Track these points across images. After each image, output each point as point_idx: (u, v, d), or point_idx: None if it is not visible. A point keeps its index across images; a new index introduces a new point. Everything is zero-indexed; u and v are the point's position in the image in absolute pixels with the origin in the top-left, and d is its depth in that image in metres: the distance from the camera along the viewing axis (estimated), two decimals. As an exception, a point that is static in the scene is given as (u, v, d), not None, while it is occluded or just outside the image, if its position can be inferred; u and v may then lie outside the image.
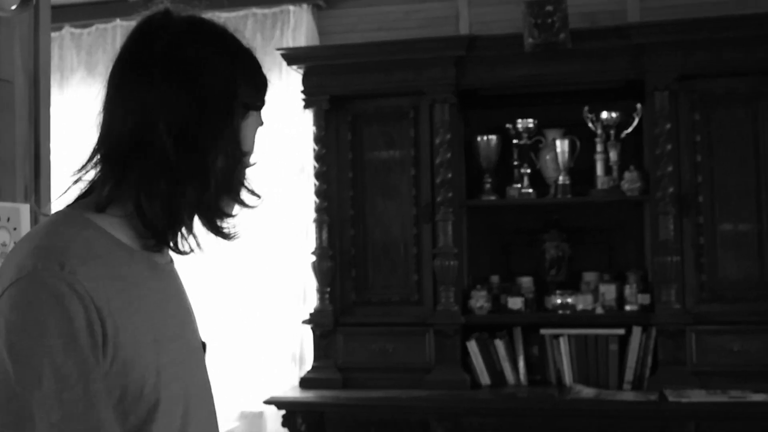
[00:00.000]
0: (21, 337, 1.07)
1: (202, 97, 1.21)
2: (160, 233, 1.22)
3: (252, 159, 1.31)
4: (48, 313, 1.07)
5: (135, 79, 1.21)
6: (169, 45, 1.22)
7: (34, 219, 1.63)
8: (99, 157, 1.23)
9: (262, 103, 1.31)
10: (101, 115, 1.24)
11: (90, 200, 1.22)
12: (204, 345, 1.39)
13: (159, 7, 1.27)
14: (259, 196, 1.30)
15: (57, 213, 1.22)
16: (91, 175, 1.24)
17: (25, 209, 1.61)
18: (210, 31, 1.27)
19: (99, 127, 1.24)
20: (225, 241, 1.29)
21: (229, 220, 1.28)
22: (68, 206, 1.23)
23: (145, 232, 1.22)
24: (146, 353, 1.16)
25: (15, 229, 1.58)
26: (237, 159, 1.25)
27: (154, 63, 1.21)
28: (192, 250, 1.29)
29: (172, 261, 1.34)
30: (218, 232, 1.27)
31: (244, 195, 1.29)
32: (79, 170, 1.24)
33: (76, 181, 1.24)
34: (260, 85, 1.30)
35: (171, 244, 1.26)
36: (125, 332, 1.13)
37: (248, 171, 1.30)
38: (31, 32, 1.65)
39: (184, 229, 1.26)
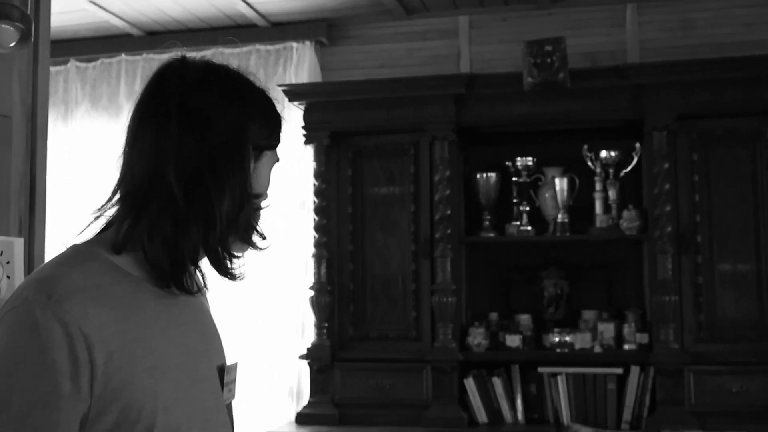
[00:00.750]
0: (1, 360, 1.15)
1: (212, 144, 1.27)
2: (165, 273, 1.28)
3: (266, 196, 1.36)
4: (25, 342, 1.14)
5: (150, 125, 1.28)
6: (181, 93, 1.28)
7: (28, 253, 1.65)
8: (118, 197, 1.30)
9: (277, 141, 1.37)
10: (121, 157, 1.31)
11: (106, 236, 1.29)
12: (231, 367, 1.43)
13: (176, 53, 1.35)
14: (265, 238, 1.35)
15: (71, 247, 1.29)
16: (110, 213, 1.31)
17: (19, 243, 1.62)
18: (223, 76, 1.33)
19: (120, 168, 1.31)
20: (231, 282, 1.33)
21: (237, 261, 1.33)
22: (84, 242, 1.29)
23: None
24: (143, 378, 1.20)
25: (8, 262, 1.59)
26: (244, 201, 1.29)
27: (168, 110, 1.27)
28: (199, 290, 1.34)
29: (192, 293, 1.36)
30: (225, 273, 1.32)
31: (252, 236, 1.33)
32: (100, 208, 1.31)
33: (96, 218, 1.31)
34: (274, 124, 1.35)
35: (175, 284, 1.29)
36: (120, 357, 1.17)
37: (262, 211, 1.36)
38: (30, 67, 1.68)
39: (190, 270, 1.30)
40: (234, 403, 1.48)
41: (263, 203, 1.37)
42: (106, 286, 1.22)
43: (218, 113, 1.29)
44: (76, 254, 1.26)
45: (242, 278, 1.35)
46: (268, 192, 1.39)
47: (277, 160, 1.38)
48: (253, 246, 1.35)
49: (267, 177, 1.36)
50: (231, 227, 1.29)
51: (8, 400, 1.12)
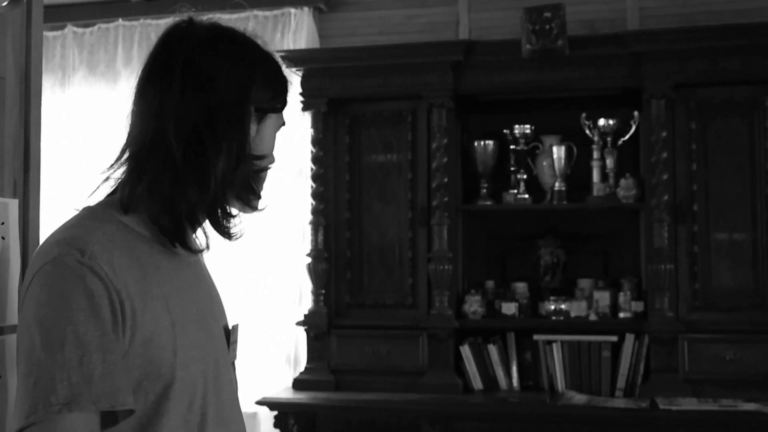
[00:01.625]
0: (48, 310, 1.18)
1: (212, 103, 1.30)
2: (167, 232, 1.32)
3: (273, 158, 1.40)
4: (71, 289, 1.18)
5: (155, 86, 1.32)
6: (186, 53, 1.32)
7: (23, 214, 1.65)
8: (125, 158, 1.34)
9: (282, 104, 1.39)
10: (128, 119, 1.35)
11: (115, 198, 1.34)
12: (234, 327, 1.48)
13: (184, 15, 1.38)
14: (260, 197, 1.38)
15: (85, 209, 1.33)
16: (118, 174, 1.35)
17: (14, 204, 1.63)
18: (228, 38, 1.36)
19: (127, 130, 1.35)
20: (228, 241, 1.37)
21: (234, 220, 1.37)
22: (97, 204, 1.34)
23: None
24: (163, 335, 1.25)
25: (3, 223, 1.60)
26: (240, 161, 1.32)
27: (172, 70, 1.31)
28: (203, 249, 1.38)
29: (196, 252, 1.41)
30: (222, 231, 1.35)
31: (251, 197, 1.37)
32: (108, 169, 1.35)
33: (105, 180, 1.35)
34: (278, 87, 1.38)
35: (179, 243, 1.33)
36: (143, 315, 1.23)
37: (266, 172, 1.40)
38: (23, 29, 1.67)
39: (190, 228, 1.34)
40: (236, 363, 1.52)
41: (269, 165, 1.40)
42: (125, 246, 1.27)
43: (221, 74, 1.31)
44: (93, 215, 1.31)
45: (239, 237, 1.38)
46: (274, 154, 1.42)
47: (283, 124, 1.41)
48: (251, 206, 1.38)
49: (271, 139, 1.39)
50: (227, 187, 1.32)
51: (63, 342, 1.16)
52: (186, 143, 1.29)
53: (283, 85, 1.39)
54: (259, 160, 1.36)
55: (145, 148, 1.31)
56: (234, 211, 1.37)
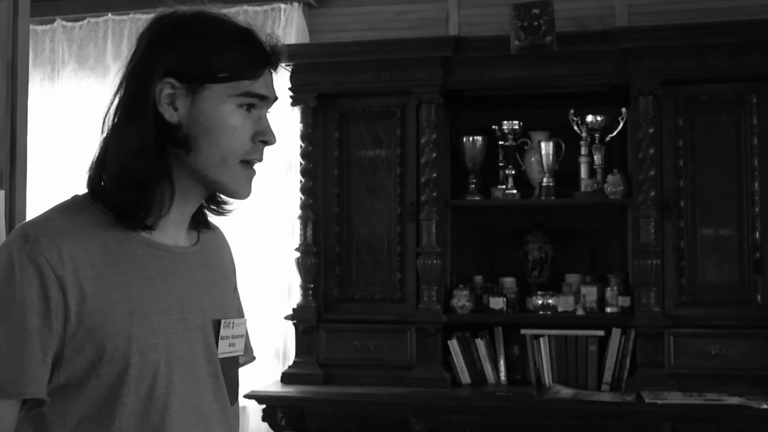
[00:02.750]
0: None
1: (131, 77, 1.33)
2: (111, 211, 1.31)
3: (230, 135, 1.32)
4: (1, 279, 1.23)
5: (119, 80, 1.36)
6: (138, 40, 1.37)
7: (10, 205, 1.66)
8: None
9: (231, 74, 1.31)
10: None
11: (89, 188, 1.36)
12: (230, 323, 1.44)
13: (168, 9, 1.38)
14: (162, 175, 1.32)
15: (71, 197, 1.36)
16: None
17: (0, 195, 1.63)
18: (176, 18, 1.35)
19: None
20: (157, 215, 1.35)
21: (155, 196, 1.33)
22: (85, 193, 1.35)
23: None
24: (117, 321, 1.26)
25: (-11, 214, 1.60)
26: (134, 135, 1.30)
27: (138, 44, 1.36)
28: (147, 224, 1.33)
29: (193, 246, 1.42)
30: (141, 206, 1.32)
31: (157, 171, 1.32)
32: (91, 162, 1.36)
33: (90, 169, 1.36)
34: (218, 57, 1.31)
35: (125, 220, 1.32)
36: (95, 300, 1.25)
37: (248, 145, 1.34)
38: (10, 21, 1.68)
39: (130, 205, 1.31)
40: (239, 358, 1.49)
41: (232, 141, 1.33)
42: (93, 233, 1.28)
43: (137, 50, 1.35)
44: (71, 203, 1.34)
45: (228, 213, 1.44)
46: (265, 131, 1.35)
47: (245, 93, 1.33)
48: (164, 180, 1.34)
49: (217, 113, 1.32)
50: (122, 161, 1.30)
51: None
52: (111, 127, 1.33)
53: (224, 53, 1.32)
54: (176, 131, 1.32)
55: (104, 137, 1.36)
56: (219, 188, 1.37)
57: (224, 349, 1.42)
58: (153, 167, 1.31)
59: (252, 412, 4.19)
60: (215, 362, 1.40)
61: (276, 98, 1.39)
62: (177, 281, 1.37)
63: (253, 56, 1.34)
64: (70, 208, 1.32)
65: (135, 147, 1.29)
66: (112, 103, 1.34)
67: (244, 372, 4.32)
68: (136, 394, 1.27)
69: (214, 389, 1.38)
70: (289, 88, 4.02)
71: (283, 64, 4.20)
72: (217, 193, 1.42)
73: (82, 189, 1.36)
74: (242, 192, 1.37)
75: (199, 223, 1.45)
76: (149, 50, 1.33)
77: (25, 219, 1.69)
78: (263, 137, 1.35)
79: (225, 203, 1.45)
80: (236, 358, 1.47)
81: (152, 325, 1.30)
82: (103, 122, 1.34)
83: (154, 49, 1.33)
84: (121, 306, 1.27)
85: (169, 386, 1.30)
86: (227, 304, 1.47)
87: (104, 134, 1.34)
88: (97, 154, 1.35)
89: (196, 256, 1.43)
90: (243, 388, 3.90)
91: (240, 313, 1.51)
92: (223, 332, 1.41)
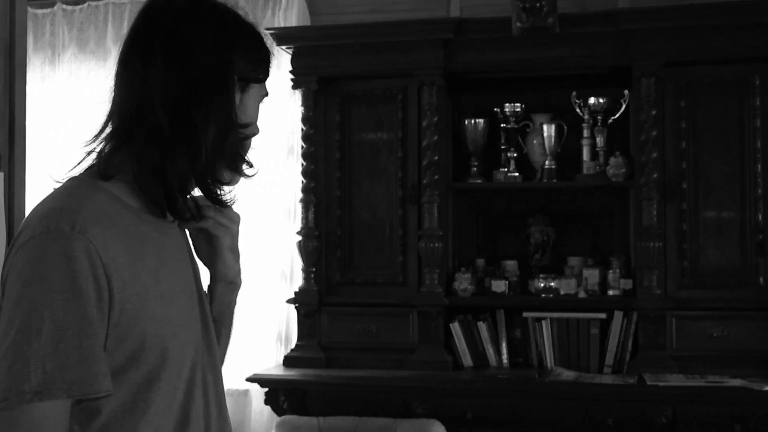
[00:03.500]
0: (28, 290, 1.18)
1: (196, 74, 1.31)
2: (158, 201, 1.32)
3: (254, 128, 1.41)
4: (54, 271, 1.18)
5: (138, 59, 1.32)
6: (168, 25, 1.33)
7: (9, 187, 1.65)
8: (108, 130, 1.34)
9: (265, 75, 1.41)
10: (111, 93, 1.35)
11: (97, 169, 1.33)
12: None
13: None
14: (251, 165, 1.40)
15: (71, 179, 1.32)
16: (100, 147, 1.34)
17: (-1, 177, 1.63)
18: (209, 9, 1.36)
19: (110, 102, 1.35)
20: (222, 208, 1.40)
21: (225, 187, 1.38)
22: (81, 174, 1.33)
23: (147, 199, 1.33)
24: (154, 306, 1.26)
25: (-12, 196, 1.60)
26: (229, 130, 1.33)
27: (155, 43, 1.31)
28: (193, 217, 1.39)
29: (187, 219, 1.42)
30: (214, 199, 1.37)
31: (239, 164, 1.38)
32: (91, 142, 1.34)
33: (89, 153, 1.34)
34: (260, 58, 1.39)
35: (170, 211, 1.33)
36: (132, 287, 1.24)
37: (250, 140, 1.41)
38: (7, 2, 1.67)
39: (181, 197, 1.34)
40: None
41: (254, 134, 1.42)
42: (115, 217, 1.27)
43: (203, 44, 1.32)
44: (81, 185, 1.30)
45: (232, 203, 1.41)
46: (258, 125, 1.43)
47: (266, 95, 1.43)
48: (241, 173, 1.39)
49: (255, 109, 1.40)
50: (217, 155, 1.32)
51: (40, 327, 1.16)
52: (172, 114, 1.29)
53: (264, 55, 1.40)
54: (243, 128, 1.36)
55: (130, 121, 1.31)
56: (224, 179, 1.38)
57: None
58: (238, 163, 1.36)
59: (254, 396, 4.20)
60: (213, 333, 1.45)
61: None
62: (182, 257, 1.41)
63: (270, 59, 1.43)
64: (86, 190, 1.29)
65: (224, 139, 1.32)
66: (160, 86, 1.29)
67: (246, 355, 4.30)
68: (169, 376, 1.28)
69: (213, 359, 1.43)
70: (290, 71, 4.01)
71: (283, 47, 4.19)
72: None
73: (73, 171, 1.34)
74: (246, 178, 1.43)
75: None
76: (222, 43, 1.33)
77: (24, 201, 1.68)
78: (256, 131, 1.44)
79: None
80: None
81: (179, 306, 1.32)
82: (146, 104, 1.29)
83: (227, 43, 1.33)
84: (153, 290, 1.27)
85: (193, 364, 1.33)
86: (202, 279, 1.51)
87: (161, 119, 1.29)
88: (121, 140, 1.31)
89: (180, 231, 1.45)
90: (245, 372, 3.92)
91: None
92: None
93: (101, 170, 1.32)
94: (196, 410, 1.33)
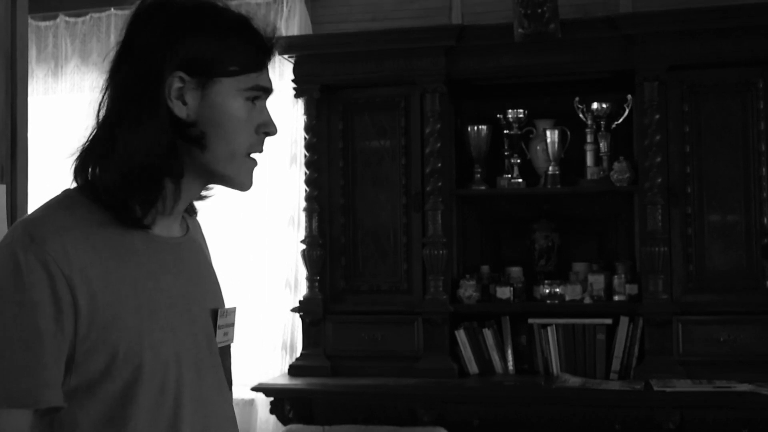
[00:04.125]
0: None
1: (131, 73, 1.28)
2: (106, 207, 1.27)
3: (273, 129, 1.35)
4: (8, 281, 1.17)
5: (108, 70, 1.31)
6: (126, 31, 1.31)
7: (11, 199, 1.65)
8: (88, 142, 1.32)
9: (240, 68, 1.30)
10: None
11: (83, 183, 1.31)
12: (227, 311, 1.44)
13: None
14: (175, 172, 1.29)
15: (63, 191, 1.31)
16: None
17: (1, 189, 1.63)
18: (171, 5, 1.31)
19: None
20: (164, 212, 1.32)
21: (163, 191, 1.30)
22: (76, 187, 1.31)
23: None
24: (128, 318, 1.23)
25: (-10, 208, 1.60)
26: (149, 132, 1.26)
27: (119, 48, 1.31)
28: (144, 222, 1.29)
29: (185, 235, 1.40)
30: (148, 203, 1.28)
31: (169, 169, 1.29)
32: (80, 154, 1.31)
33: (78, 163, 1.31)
34: (228, 50, 1.30)
35: (130, 223, 1.28)
36: (103, 298, 1.21)
37: (255, 137, 1.34)
38: (8, 14, 1.67)
39: (127, 201, 1.27)
40: (232, 347, 1.49)
41: (270, 132, 1.36)
42: (93, 228, 1.25)
43: (140, 39, 1.29)
44: (65, 198, 1.29)
45: (193, 210, 1.41)
46: (267, 122, 1.35)
47: (254, 87, 1.33)
48: (173, 175, 1.30)
49: (228, 106, 1.30)
50: (134, 157, 1.25)
51: None
52: (105, 119, 1.28)
53: (233, 45, 1.30)
54: (190, 127, 1.29)
55: (93, 131, 1.30)
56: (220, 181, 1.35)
57: (220, 339, 1.42)
58: (168, 165, 1.28)
59: (260, 405, 4.19)
60: (215, 352, 1.40)
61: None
62: (177, 273, 1.36)
63: (258, 49, 1.33)
64: (66, 203, 1.28)
65: (149, 144, 1.25)
66: (106, 94, 1.29)
67: (251, 364, 4.30)
68: (149, 391, 1.24)
69: (216, 380, 1.38)
70: (293, 80, 4.01)
71: (286, 56, 4.18)
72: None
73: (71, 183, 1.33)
74: (247, 184, 1.37)
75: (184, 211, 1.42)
76: (157, 41, 1.27)
77: (26, 213, 1.67)
78: (266, 129, 1.36)
79: (209, 190, 1.42)
80: (229, 346, 1.47)
81: (160, 320, 1.28)
82: (97, 114, 1.29)
83: (163, 39, 1.27)
84: (130, 302, 1.24)
85: (179, 380, 1.28)
86: (217, 293, 1.47)
87: (99, 127, 1.28)
88: (89, 147, 1.29)
89: (188, 246, 1.42)
90: (251, 381, 3.91)
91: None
92: (219, 321, 1.41)
93: (77, 182, 1.31)
94: (187, 429, 1.29)
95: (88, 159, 1.28)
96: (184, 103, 1.28)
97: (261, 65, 1.33)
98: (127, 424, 1.23)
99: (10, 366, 1.16)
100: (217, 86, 1.29)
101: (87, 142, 1.29)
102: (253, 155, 1.37)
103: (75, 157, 1.30)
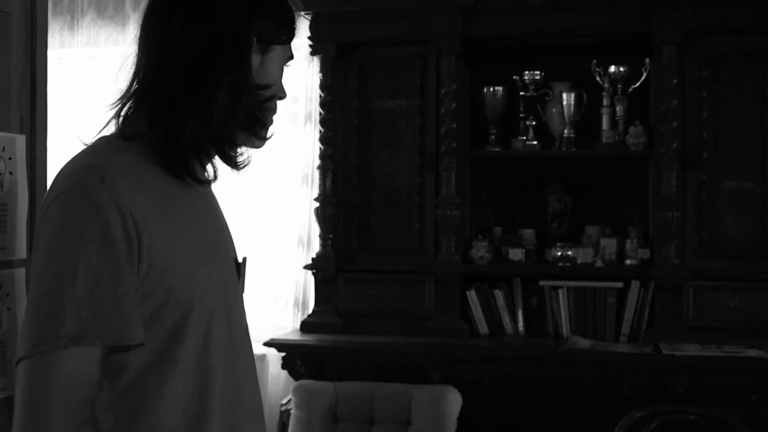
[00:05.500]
0: (62, 239, 1.20)
1: (213, 34, 1.31)
2: (171, 164, 1.32)
3: (278, 90, 1.40)
4: (87, 221, 1.19)
5: (157, 21, 1.34)
6: None
7: (30, 150, 1.66)
8: (131, 92, 1.35)
9: (288, 37, 1.40)
10: (135, 54, 1.36)
11: (122, 131, 1.34)
12: (243, 260, 1.50)
13: None
14: (265, 128, 1.39)
15: (100, 139, 1.34)
16: (123, 108, 1.35)
17: (21, 140, 1.64)
18: None
19: (133, 65, 1.36)
20: (235, 171, 1.40)
21: (240, 150, 1.38)
22: (111, 134, 1.35)
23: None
24: (180, 264, 1.27)
25: (10, 158, 1.62)
26: (242, 91, 1.32)
27: (174, 3, 1.32)
28: (211, 180, 1.39)
29: (203, 183, 1.42)
30: (229, 161, 1.37)
31: (256, 127, 1.38)
32: (115, 104, 1.35)
33: (115, 114, 1.35)
34: (283, 20, 1.39)
35: (187, 174, 1.33)
36: (160, 243, 1.24)
37: (274, 103, 1.41)
38: (28, -37, 1.67)
39: (195, 159, 1.34)
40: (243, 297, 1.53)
41: (279, 96, 1.42)
42: (142, 175, 1.28)
43: (220, 5, 1.32)
44: (109, 145, 1.32)
45: (245, 167, 1.40)
46: (284, 88, 1.43)
47: (290, 57, 1.42)
48: (258, 136, 1.39)
49: (277, 72, 1.40)
50: (231, 117, 1.32)
51: (75, 275, 1.18)
52: (187, 75, 1.30)
53: (287, 16, 1.39)
54: (262, 90, 1.36)
55: (148, 82, 1.33)
56: (241, 141, 1.38)
57: (241, 287, 1.47)
58: (252, 124, 1.36)
59: (272, 360, 4.24)
60: (241, 300, 1.45)
61: None
62: (211, 221, 1.42)
63: (294, 20, 1.42)
64: (113, 149, 1.30)
65: (245, 106, 1.32)
66: (178, 48, 1.30)
67: (264, 320, 4.34)
68: (195, 336, 1.28)
69: (242, 326, 1.43)
70: (309, 38, 3.99)
71: (302, 13, 4.16)
72: None
73: (102, 132, 1.35)
74: (263, 143, 1.43)
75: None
76: (239, 4, 1.33)
77: (46, 164, 1.69)
78: (281, 93, 1.43)
79: None
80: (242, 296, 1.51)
81: (204, 266, 1.32)
82: (163, 66, 1.30)
83: (245, 4, 1.34)
84: (181, 248, 1.28)
85: (219, 326, 1.33)
86: (233, 243, 1.51)
87: (165, 81, 1.30)
88: (151, 99, 1.31)
89: (212, 196, 1.47)
90: (263, 336, 3.95)
91: None
92: (241, 270, 1.47)
93: (121, 131, 1.34)
94: (222, 373, 1.33)
95: (162, 115, 1.30)
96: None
97: (294, 36, 1.42)
98: (175, 366, 1.27)
99: (100, 303, 1.18)
100: (272, 53, 1.38)
101: (148, 95, 1.32)
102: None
103: (122, 106, 1.34)
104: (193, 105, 1.30)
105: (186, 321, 1.27)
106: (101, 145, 1.32)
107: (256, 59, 1.35)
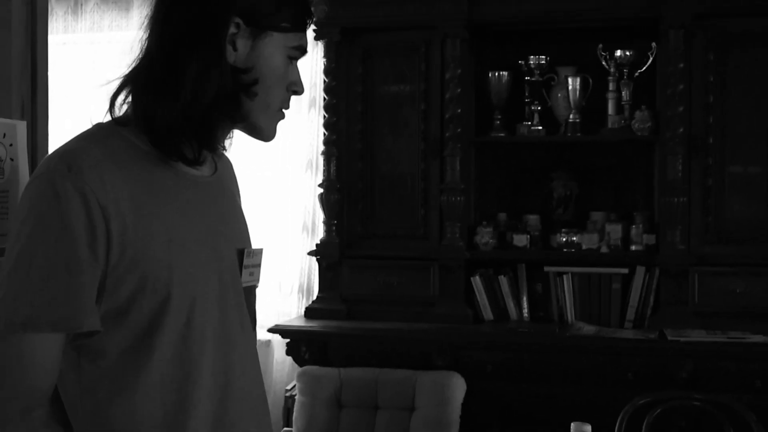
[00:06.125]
0: (24, 226, 1.23)
1: (191, 14, 1.31)
2: (155, 145, 1.32)
3: (277, 80, 1.37)
4: (49, 209, 1.21)
5: (156, 4, 1.35)
6: None
7: (31, 136, 1.66)
8: (124, 76, 1.36)
9: (290, 24, 1.36)
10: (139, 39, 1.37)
11: (122, 116, 1.35)
12: (253, 251, 1.46)
13: None
14: (234, 117, 1.36)
15: (95, 125, 1.35)
16: (121, 94, 1.36)
17: (21, 126, 1.63)
18: None
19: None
20: (210, 152, 1.40)
21: (219, 134, 1.38)
22: (107, 120, 1.35)
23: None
24: (158, 251, 1.27)
25: (11, 145, 1.61)
26: (214, 72, 1.31)
27: None
28: (199, 160, 1.36)
29: (212, 175, 1.44)
30: (205, 144, 1.36)
31: (233, 111, 1.36)
32: (131, 90, 1.35)
33: (110, 100, 1.35)
34: (280, 6, 1.35)
35: (170, 154, 1.33)
36: (135, 231, 1.24)
37: (284, 94, 1.39)
38: (28, -52, 1.66)
39: (181, 140, 1.33)
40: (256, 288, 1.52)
41: (294, 89, 1.40)
42: (126, 161, 1.28)
43: None
44: (98, 131, 1.33)
45: (223, 151, 1.43)
46: (297, 82, 1.41)
47: (297, 48, 1.39)
48: (234, 120, 1.38)
49: (276, 60, 1.36)
50: (201, 96, 1.30)
51: (29, 265, 1.20)
52: (165, 57, 1.30)
53: (289, 4, 1.36)
54: (245, 74, 1.33)
55: (137, 66, 1.34)
56: (221, 127, 1.37)
57: (245, 279, 1.44)
58: (232, 109, 1.34)
59: (276, 346, 4.25)
60: (240, 291, 1.42)
61: None
62: (206, 211, 1.39)
63: (306, 11, 1.40)
64: (99, 136, 1.31)
65: (217, 87, 1.30)
66: (160, 30, 1.32)
67: (268, 306, 4.34)
68: (175, 323, 1.28)
69: (240, 318, 1.41)
70: (313, 22, 3.96)
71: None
72: None
73: (98, 118, 1.36)
74: (272, 136, 1.43)
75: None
76: None
77: (47, 149, 1.69)
78: (296, 87, 1.42)
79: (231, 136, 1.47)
80: (254, 287, 1.49)
81: (189, 255, 1.31)
82: (147, 50, 1.32)
83: None
84: (160, 236, 1.28)
85: (204, 316, 1.32)
86: (244, 233, 1.51)
87: (153, 64, 1.31)
88: (141, 83, 1.32)
89: (216, 185, 1.45)
90: (268, 322, 3.95)
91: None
92: (245, 261, 1.44)
93: (118, 120, 1.34)
94: (209, 364, 1.32)
95: (140, 95, 1.31)
96: (235, 50, 1.33)
97: (305, 27, 1.40)
98: (152, 353, 1.27)
99: (52, 291, 1.20)
100: (267, 39, 1.35)
101: (133, 77, 1.33)
102: (283, 110, 1.43)
103: (115, 91, 1.34)
104: (165, 83, 1.30)
105: (164, 309, 1.27)
106: (90, 130, 1.33)
107: (245, 43, 1.33)
